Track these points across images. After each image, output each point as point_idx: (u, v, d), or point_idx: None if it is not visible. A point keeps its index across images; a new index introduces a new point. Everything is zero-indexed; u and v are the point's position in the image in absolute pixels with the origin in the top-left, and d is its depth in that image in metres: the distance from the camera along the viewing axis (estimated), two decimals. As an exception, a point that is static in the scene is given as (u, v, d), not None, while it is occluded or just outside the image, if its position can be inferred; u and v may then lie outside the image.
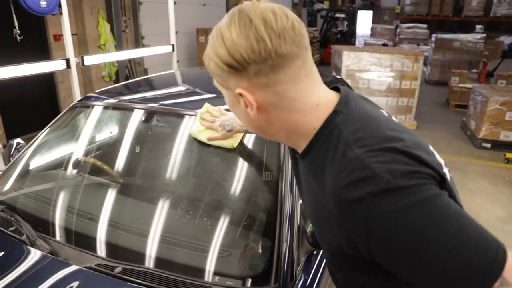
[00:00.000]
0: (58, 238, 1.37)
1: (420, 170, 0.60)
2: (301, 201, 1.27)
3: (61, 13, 3.27)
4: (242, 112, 0.75)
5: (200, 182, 1.52)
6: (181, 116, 1.64)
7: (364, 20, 18.55)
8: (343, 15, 14.26)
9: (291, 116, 0.72)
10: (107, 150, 1.79)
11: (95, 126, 1.97)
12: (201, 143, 1.43)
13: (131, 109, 1.79)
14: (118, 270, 1.19)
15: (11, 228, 1.41)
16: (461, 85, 7.43)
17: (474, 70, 8.99)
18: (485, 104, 5.07)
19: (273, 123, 0.73)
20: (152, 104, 1.74)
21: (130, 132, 1.85)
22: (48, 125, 1.95)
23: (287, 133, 0.75)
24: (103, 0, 5.87)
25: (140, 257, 1.26)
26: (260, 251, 1.27)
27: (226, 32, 0.67)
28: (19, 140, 2.13)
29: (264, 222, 1.35)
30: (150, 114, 1.74)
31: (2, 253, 1.31)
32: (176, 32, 5.04)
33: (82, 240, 1.36)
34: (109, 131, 1.92)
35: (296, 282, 1.19)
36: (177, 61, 5.16)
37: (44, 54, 5.18)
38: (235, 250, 1.28)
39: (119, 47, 5.98)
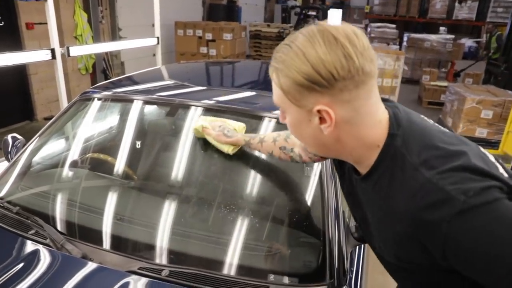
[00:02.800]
0: (87, 241, 1.26)
1: (489, 185, 0.65)
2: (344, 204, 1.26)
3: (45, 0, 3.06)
4: (312, 129, 0.75)
5: (241, 179, 1.46)
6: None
7: (335, 18, 18.82)
8: (314, 13, 14.43)
9: (360, 131, 0.74)
10: (127, 146, 1.68)
11: (106, 120, 1.85)
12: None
13: (146, 102, 1.70)
14: (165, 273, 1.12)
15: (30, 232, 1.28)
16: (433, 83, 7.73)
17: (443, 69, 9.38)
18: (462, 102, 5.29)
19: (341, 138, 0.75)
20: (171, 97, 1.66)
21: (147, 127, 1.75)
22: (53, 119, 1.81)
23: (352, 149, 0.77)
24: (79, -12, 5.57)
25: (186, 258, 1.19)
26: (311, 248, 1.24)
27: (308, 49, 0.68)
28: (14, 135, 1.97)
29: (311, 217, 1.32)
30: (173, 108, 1.65)
31: (22, 262, 1.17)
32: (153, 25, 4.86)
33: (116, 242, 1.26)
34: (121, 125, 1.81)
35: (348, 277, 1.18)
36: (153, 55, 4.98)
37: (15, 43, 4.84)
38: (285, 248, 1.24)
39: (96, 38, 5.70)
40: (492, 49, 8.37)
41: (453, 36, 10.20)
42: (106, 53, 6.20)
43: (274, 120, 1.50)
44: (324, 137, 0.75)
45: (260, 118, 1.52)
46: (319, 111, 0.71)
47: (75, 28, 5.55)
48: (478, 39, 15.63)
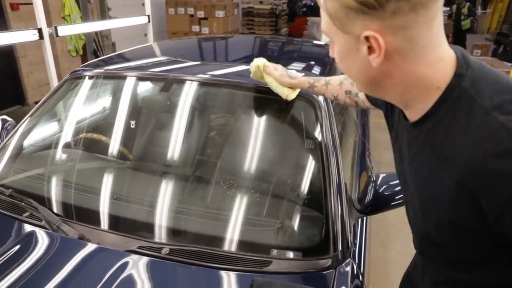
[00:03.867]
0: (83, 221, 1.23)
1: None
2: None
3: (29, -23, 2.93)
4: (360, 61, 0.66)
5: (240, 155, 1.42)
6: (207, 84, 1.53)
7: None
8: (307, -12, 14.14)
9: (414, 67, 0.64)
10: (121, 125, 1.63)
11: (98, 99, 1.79)
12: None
13: (139, 78, 1.64)
14: (165, 251, 1.09)
15: (25, 214, 1.25)
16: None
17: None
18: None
19: (392, 74, 0.65)
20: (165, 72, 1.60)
21: (141, 104, 1.70)
22: (43, 99, 1.75)
23: (404, 88, 0.67)
24: (64, -34, 5.37)
25: (186, 236, 1.16)
26: (313, 221, 1.22)
27: None
28: (4, 117, 1.91)
29: (313, 191, 1.29)
30: (167, 83, 1.59)
31: (18, 245, 1.14)
32: (143, 4, 4.71)
33: (114, 222, 1.23)
34: (115, 103, 1.76)
35: (351, 249, 1.17)
36: (145, 35, 4.86)
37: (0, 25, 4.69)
38: (286, 222, 1.21)
39: (85, 18, 5.54)
40: (463, 19, 8.37)
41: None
42: (96, 34, 6.04)
43: (270, 92, 1.45)
44: (373, 71, 0.66)
45: (260, 92, 1.47)
46: (367, 38, 0.62)
47: (62, 8, 5.38)
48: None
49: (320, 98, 1.42)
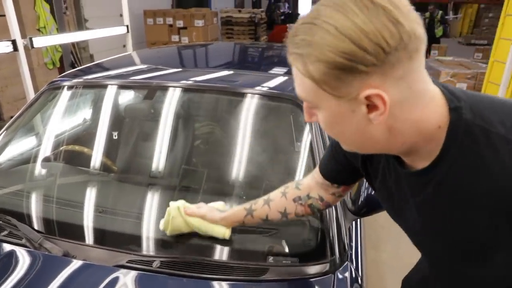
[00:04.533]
0: (67, 237, 1.16)
1: None
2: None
3: (2, -12, 2.84)
4: (356, 123, 0.60)
5: (228, 161, 1.39)
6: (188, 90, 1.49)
7: (305, 1, 18.82)
8: (285, -3, 14.37)
9: (413, 113, 0.59)
10: (103, 135, 1.57)
11: (78, 109, 1.73)
12: None
13: (121, 87, 1.59)
14: (156, 264, 1.04)
15: (3, 233, 1.17)
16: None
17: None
18: (437, 76, 5.37)
19: (393, 128, 0.60)
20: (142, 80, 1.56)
21: (124, 113, 1.65)
22: (19, 112, 1.67)
23: (405, 137, 0.62)
24: (38, -23, 5.25)
25: (178, 247, 1.11)
26: (308, 227, 1.19)
27: (342, 22, 0.54)
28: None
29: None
30: (150, 91, 1.55)
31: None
32: (121, 15, 4.64)
33: (100, 237, 1.17)
34: (96, 113, 1.70)
35: (348, 253, 1.14)
36: (123, 46, 4.77)
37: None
38: (282, 228, 1.18)
39: (61, 30, 5.41)
40: (436, 27, 8.77)
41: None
42: (74, 45, 5.92)
43: (256, 97, 1.43)
44: (372, 130, 0.60)
45: (242, 95, 1.44)
46: (367, 97, 0.56)
47: (37, 20, 5.25)
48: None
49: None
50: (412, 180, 0.68)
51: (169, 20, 7.79)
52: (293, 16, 14.13)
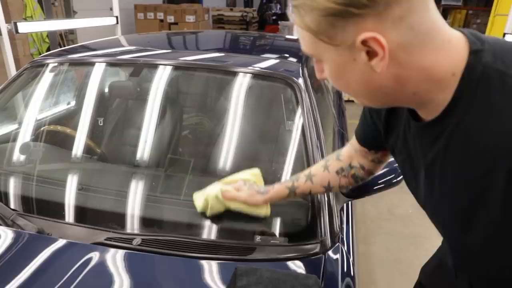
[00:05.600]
0: (43, 215, 1.10)
1: None
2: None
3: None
4: (359, 72, 0.57)
5: (216, 138, 1.33)
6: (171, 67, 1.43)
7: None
8: (276, -2, 14.39)
9: (422, 59, 0.55)
10: (86, 117, 1.50)
11: (62, 88, 1.66)
12: None
13: (108, 64, 1.52)
14: (137, 241, 0.98)
15: (-26, 210, 1.10)
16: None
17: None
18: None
19: (400, 76, 0.56)
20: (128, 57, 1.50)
21: (109, 92, 1.58)
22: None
23: (415, 86, 0.57)
24: (26, -35, 5.14)
25: (160, 225, 1.06)
26: (298, 207, 1.14)
27: None
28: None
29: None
30: (137, 68, 1.49)
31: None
32: (111, 9, 4.55)
33: (78, 214, 1.11)
34: (81, 93, 1.63)
35: (339, 234, 1.10)
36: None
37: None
38: (272, 207, 1.13)
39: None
40: None
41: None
42: (62, 37, 5.80)
43: (248, 76, 1.38)
44: (377, 78, 0.57)
45: (234, 74, 1.39)
46: (364, 42, 0.53)
47: (24, 10, 5.13)
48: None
49: (300, 80, 1.36)
50: (424, 134, 0.64)
51: (160, 15, 7.71)
52: (284, 15, 14.13)
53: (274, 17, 14.19)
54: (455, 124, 0.58)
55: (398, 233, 2.70)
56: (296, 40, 2.56)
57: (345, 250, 1.06)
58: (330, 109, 1.98)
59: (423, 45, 0.55)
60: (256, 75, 1.40)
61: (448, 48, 0.56)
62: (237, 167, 1.22)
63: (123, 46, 1.90)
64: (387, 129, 0.78)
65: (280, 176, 1.22)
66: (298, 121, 1.28)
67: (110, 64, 1.52)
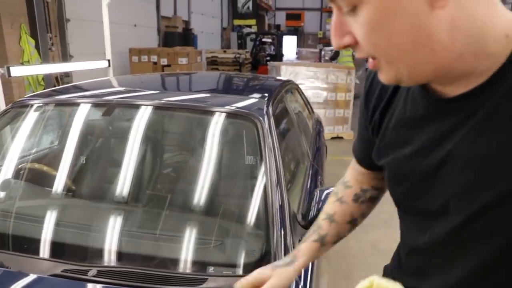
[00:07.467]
0: (3, 248, 1.13)
1: None
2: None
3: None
4: (409, 16, 0.47)
5: (177, 174, 1.39)
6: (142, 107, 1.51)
7: (289, 44, 19.60)
8: (270, 40, 14.94)
9: (477, 8, 0.47)
10: (62, 152, 1.57)
11: (45, 129, 1.74)
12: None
13: (93, 105, 1.60)
14: (92, 273, 1.01)
15: None
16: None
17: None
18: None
19: (456, 25, 0.47)
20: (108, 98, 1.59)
21: (88, 130, 1.66)
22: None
23: (465, 44, 0.48)
24: (25, 14, 5.41)
25: (115, 256, 1.09)
26: (253, 238, 1.18)
27: None
28: None
29: (254, 208, 1.26)
30: (110, 108, 1.57)
31: None
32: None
33: (35, 247, 1.14)
34: (64, 134, 1.70)
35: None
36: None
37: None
38: (226, 239, 1.17)
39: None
40: None
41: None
42: (57, 80, 5.99)
43: (217, 114, 1.44)
44: (431, 24, 0.46)
45: (205, 113, 1.46)
46: None
47: (21, 55, 5.35)
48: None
49: (263, 118, 1.43)
50: (450, 111, 0.54)
51: (154, 58, 8.00)
52: (277, 56, 14.63)
53: (267, 58, 14.70)
54: (501, 96, 0.49)
55: (382, 268, 2.68)
56: (274, 78, 2.68)
57: (301, 284, 1.08)
58: (302, 145, 2.05)
59: None
60: (224, 114, 1.47)
61: (504, 10, 0.49)
62: (196, 200, 1.27)
63: (110, 86, 1.99)
64: (382, 116, 0.69)
65: (238, 210, 1.27)
66: (258, 156, 1.35)
67: (90, 104, 1.59)
